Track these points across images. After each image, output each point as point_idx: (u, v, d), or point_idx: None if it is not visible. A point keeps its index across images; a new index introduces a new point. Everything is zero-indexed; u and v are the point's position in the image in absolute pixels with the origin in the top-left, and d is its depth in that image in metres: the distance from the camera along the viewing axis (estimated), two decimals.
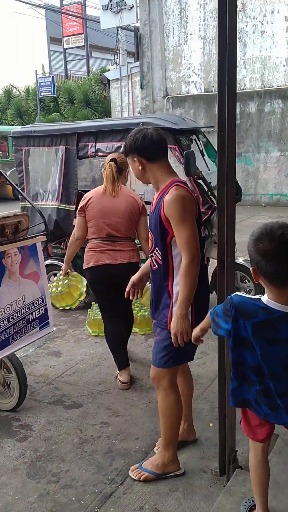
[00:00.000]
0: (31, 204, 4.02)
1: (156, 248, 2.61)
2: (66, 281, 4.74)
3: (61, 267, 5.31)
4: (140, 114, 12.93)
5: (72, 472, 2.91)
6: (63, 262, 5.25)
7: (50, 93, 23.09)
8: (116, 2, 12.72)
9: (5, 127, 18.66)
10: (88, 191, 5.87)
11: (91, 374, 4.08)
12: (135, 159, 2.61)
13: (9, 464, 3.01)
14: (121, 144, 4.82)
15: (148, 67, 12.59)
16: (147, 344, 4.62)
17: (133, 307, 4.44)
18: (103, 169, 3.88)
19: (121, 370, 3.91)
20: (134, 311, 4.52)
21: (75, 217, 4.14)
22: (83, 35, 27.59)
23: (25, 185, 5.38)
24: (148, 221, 3.28)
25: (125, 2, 12.59)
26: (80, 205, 3.83)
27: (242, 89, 11.89)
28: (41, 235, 3.54)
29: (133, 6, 12.53)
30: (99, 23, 14.19)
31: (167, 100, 12.59)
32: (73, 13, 26.06)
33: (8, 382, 3.58)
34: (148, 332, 4.81)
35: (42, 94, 23.17)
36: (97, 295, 4.00)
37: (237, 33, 8.66)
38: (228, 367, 2.65)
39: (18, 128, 5.61)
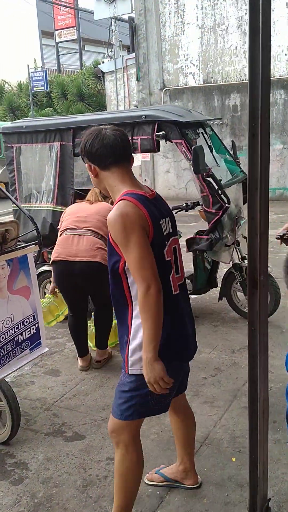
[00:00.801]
0: (20, 209, 3.57)
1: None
2: (49, 299, 4.29)
3: None
4: (137, 107, 12.46)
5: None
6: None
7: (43, 87, 22.55)
8: None
9: None
10: (86, 190, 5.44)
11: (94, 397, 3.65)
12: (88, 165, 2.19)
13: None
14: None
15: (144, 59, 12.11)
16: None
17: None
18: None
19: (81, 357, 4.09)
20: None
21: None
22: (75, 28, 27.01)
23: (17, 185, 4.93)
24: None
25: None
26: (59, 226, 3.97)
27: (242, 80, 11.44)
28: (33, 244, 3.13)
29: None
30: (92, 14, 13.69)
31: (164, 92, 12.12)
32: (64, 4, 25.45)
33: None
34: None
35: (34, 89, 22.62)
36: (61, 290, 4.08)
37: (237, 21, 8.18)
38: (262, 402, 2.23)
39: (8, 123, 5.15)
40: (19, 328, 3.05)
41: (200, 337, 4.53)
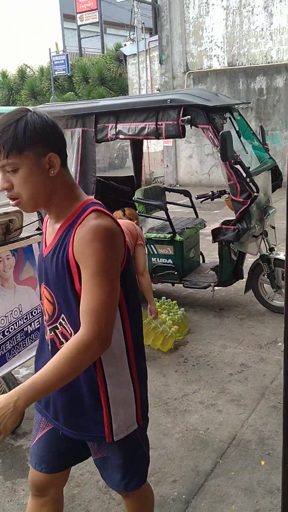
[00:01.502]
0: None
1: (62, 316, 1.56)
2: None
3: None
4: (159, 91, 12.20)
5: None
6: None
7: (64, 71, 22.35)
8: None
9: (19, 107, 18.03)
10: (107, 177, 5.31)
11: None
12: (40, 159, 1.46)
13: None
14: (146, 125, 4.22)
15: (167, 41, 11.81)
16: (178, 353, 4.07)
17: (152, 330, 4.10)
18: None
19: None
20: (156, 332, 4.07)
21: None
22: (97, 11, 26.61)
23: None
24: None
25: None
26: None
27: (268, 62, 11.09)
28: (37, 235, 3.08)
29: None
30: None
31: (187, 75, 11.82)
32: None
33: None
34: (178, 339, 4.26)
35: (56, 73, 22.46)
36: None
37: (263, 2, 7.90)
38: None
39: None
40: (28, 318, 3.00)
41: (225, 331, 4.41)
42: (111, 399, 1.60)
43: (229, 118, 4.42)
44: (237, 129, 4.52)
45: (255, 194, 4.03)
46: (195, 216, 5.21)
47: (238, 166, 4.00)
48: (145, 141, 10.40)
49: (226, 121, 4.39)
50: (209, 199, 4.67)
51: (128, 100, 4.57)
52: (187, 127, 4.26)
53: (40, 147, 1.45)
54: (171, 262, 4.63)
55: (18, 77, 24.84)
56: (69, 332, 1.55)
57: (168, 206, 4.96)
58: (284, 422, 2.10)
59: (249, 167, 4.14)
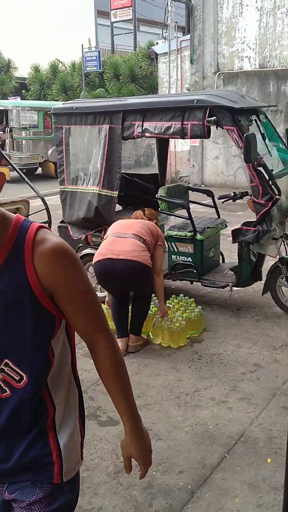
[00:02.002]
0: (32, 189, 3.59)
1: (5, 361, 1.28)
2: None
3: None
4: (189, 90, 12.23)
5: (105, 511, 2.49)
6: None
7: (95, 68, 22.53)
8: None
9: (49, 102, 18.29)
10: (132, 174, 5.42)
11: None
12: None
13: None
14: (171, 124, 4.29)
15: (199, 41, 11.83)
16: (192, 350, 4.14)
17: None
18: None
19: (119, 338, 4.07)
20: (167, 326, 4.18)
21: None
22: (131, 8, 26.71)
23: (65, 166, 4.92)
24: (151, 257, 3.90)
25: None
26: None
27: None
28: (42, 223, 3.17)
29: None
30: None
31: (218, 76, 11.82)
32: None
33: None
34: (194, 336, 4.33)
35: (87, 69, 22.65)
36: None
37: None
38: None
39: (59, 104, 5.14)
40: None
41: (241, 331, 4.46)
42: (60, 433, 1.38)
43: (255, 120, 4.46)
44: (262, 131, 4.55)
45: (277, 196, 4.07)
46: (217, 216, 5.25)
47: (261, 168, 4.04)
48: (172, 140, 10.45)
49: (252, 123, 4.43)
50: (231, 200, 4.71)
51: (155, 99, 4.64)
52: (213, 128, 4.32)
53: None
54: (191, 260, 4.70)
55: (50, 72, 25.14)
56: (16, 377, 1.29)
57: (191, 205, 5.03)
58: None
59: (272, 170, 4.17)
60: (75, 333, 1.41)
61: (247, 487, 2.62)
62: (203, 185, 12.34)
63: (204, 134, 4.21)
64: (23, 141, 13.31)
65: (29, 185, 3.63)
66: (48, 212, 3.35)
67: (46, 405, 1.35)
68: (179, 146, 13.00)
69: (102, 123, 4.62)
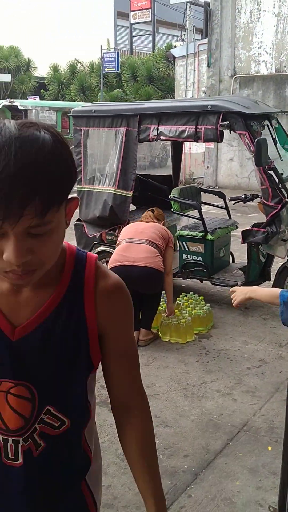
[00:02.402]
0: None
1: (48, 408, 1.07)
2: None
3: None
4: (205, 93, 12.39)
5: (114, 489, 2.68)
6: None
7: (113, 69, 22.77)
8: None
9: (67, 103, 18.58)
10: (146, 175, 5.60)
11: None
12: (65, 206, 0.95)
13: None
14: (186, 128, 4.47)
15: (216, 45, 11.98)
16: (200, 345, 4.31)
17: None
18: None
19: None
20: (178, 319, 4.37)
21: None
22: (150, 10, 26.93)
23: (82, 167, 5.13)
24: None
25: None
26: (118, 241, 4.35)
27: None
28: None
29: None
30: None
31: (234, 79, 11.96)
32: None
33: None
34: (202, 332, 4.50)
35: (105, 70, 22.91)
36: None
37: None
38: None
39: (78, 106, 5.34)
40: None
41: (248, 328, 4.62)
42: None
43: (267, 125, 4.61)
44: (274, 136, 4.70)
45: (286, 199, 4.23)
46: (228, 218, 5.41)
47: (271, 172, 4.20)
48: (187, 142, 10.61)
49: (264, 128, 4.59)
50: (242, 202, 4.87)
51: (171, 104, 4.83)
52: (226, 131, 4.48)
53: (70, 188, 0.93)
54: (201, 259, 4.87)
55: (69, 72, 25.44)
56: (56, 424, 1.09)
57: (205, 206, 5.20)
58: (287, 408, 2.32)
59: (282, 174, 4.33)
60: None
61: (248, 471, 2.79)
62: (217, 187, 12.48)
63: (217, 138, 4.38)
64: None
65: None
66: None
67: (86, 453, 1.18)
68: (194, 148, 13.16)
69: (119, 126, 4.81)
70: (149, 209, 4.56)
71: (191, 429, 3.17)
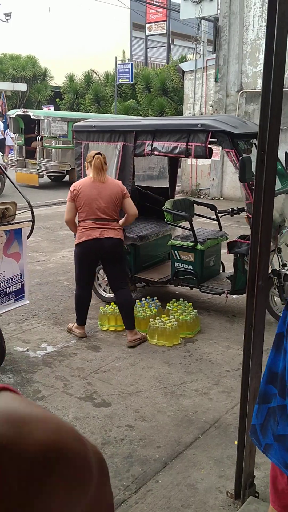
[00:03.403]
0: (21, 194, 4.25)
1: None
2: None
3: None
4: (212, 107, 12.71)
5: None
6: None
7: (127, 79, 23.24)
8: None
9: (79, 113, 19.02)
10: (146, 187, 5.91)
11: (125, 374, 4.11)
12: None
13: None
14: (178, 144, 4.77)
15: (224, 60, 12.31)
16: (185, 349, 4.58)
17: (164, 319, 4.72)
18: (87, 161, 4.51)
19: (80, 325, 4.76)
20: (166, 323, 4.61)
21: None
22: (165, 22, 27.42)
23: (83, 178, 5.44)
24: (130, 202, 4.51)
25: None
26: (70, 194, 4.45)
27: None
28: (26, 221, 4.02)
29: None
30: None
31: (240, 94, 12.27)
32: (157, 3, 25.91)
33: None
34: (188, 336, 4.77)
35: (120, 80, 23.37)
36: (81, 266, 4.59)
37: None
38: (252, 388, 2.58)
39: (80, 122, 5.68)
40: (8, 282, 3.98)
41: (233, 334, 4.88)
42: None
43: (254, 144, 4.89)
44: None
45: None
46: (219, 229, 5.69)
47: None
48: None
49: (252, 145, 4.87)
50: (229, 215, 5.15)
51: (165, 122, 5.14)
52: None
53: None
54: (191, 268, 5.15)
55: (84, 82, 25.97)
56: None
57: (203, 218, 5.46)
58: (241, 403, 2.60)
59: None
60: None
61: (213, 462, 3.06)
62: (222, 198, 12.76)
63: (206, 155, 4.68)
64: (53, 150, 13.99)
65: (17, 189, 4.32)
66: (32, 212, 4.12)
67: None
68: (200, 160, 13.45)
69: (117, 141, 5.14)
70: (96, 153, 4.43)
71: (166, 424, 3.44)
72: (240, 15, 11.92)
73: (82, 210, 4.42)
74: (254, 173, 2.31)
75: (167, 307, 5.02)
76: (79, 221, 4.49)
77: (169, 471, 2.98)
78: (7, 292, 3.99)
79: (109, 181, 4.47)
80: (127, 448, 3.18)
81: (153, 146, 4.92)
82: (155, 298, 5.24)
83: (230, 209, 5.14)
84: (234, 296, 5.57)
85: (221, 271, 5.64)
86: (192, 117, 7.10)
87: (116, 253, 4.50)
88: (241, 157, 4.27)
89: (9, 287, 4.00)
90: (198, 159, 13.36)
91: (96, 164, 4.37)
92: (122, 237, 4.55)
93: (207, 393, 3.84)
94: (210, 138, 4.63)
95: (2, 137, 17.93)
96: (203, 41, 15.22)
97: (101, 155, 4.42)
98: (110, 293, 5.56)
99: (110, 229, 4.42)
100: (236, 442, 3.25)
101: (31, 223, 4.11)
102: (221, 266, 5.66)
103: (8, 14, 22.47)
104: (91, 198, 4.37)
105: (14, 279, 4.04)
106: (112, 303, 5.10)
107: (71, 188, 4.46)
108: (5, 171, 4.82)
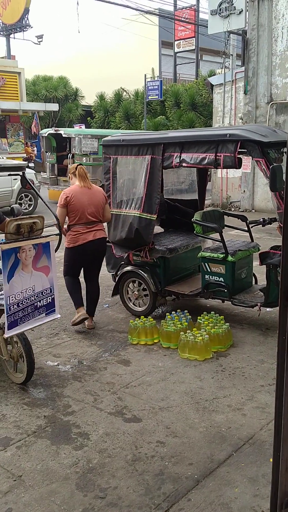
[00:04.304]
0: (49, 208, 4.35)
1: None
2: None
3: (140, 274, 5.34)
4: (242, 120, 12.63)
5: (120, 490, 2.88)
6: (142, 271, 5.28)
7: (157, 96, 23.43)
8: (225, 7, 12.51)
9: (109, 131, 19.23)
10: (174, 199, 5.89)
11: (156, 388, 4.03)
12: None
13: (62, 472, 3.06)
14: (206, 155, 4.72)
15: (253, 72, 12.25)
16: (217, 363, 4.46)
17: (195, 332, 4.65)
18: (71, 173, 5.20)
19: (80, 307, 5.14)
20: (197, 336, 4.54)
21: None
22: (194, 39, 27.62)
23: (111, 192, 5.46)
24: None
25: (234, 7, 12.32)
26: (64, 201, 4.95)
27: None
28: (54, 235, 4.07)
29: (242, 11, 12.22)
30: None
31: (270, 106, 12.16)
32: (185, 19, 26.15)
33: (21, 357, 4.01)
34: (221, 350, 4.65)
35: (149, 97, 23.59)
36: (73, 265, 5.14)
37: None
38: (287, 404, 2.47)
39: (108, 136, 5.71)
40: (38, 296, 3.96)
41: (266, 348, 4.74)
42: None
43: (285, 152, 4.79)
44: None
45: None
46: (250, 240, 5.58)
47: None
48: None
49: (283, 154, 4.78)
50: (261, 225, 5.04)
51: (193, 133, 5.10)
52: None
53: None
54: (222, 280, 5.05)
55: (114, 100, 26.35)
56: None
57: (234, 230, 5.36)
58: (276, 418, 2.49)
59: None
60: None
61: (248, 480, 2.94)
62: (254, 210, 12.59)
63: (235, 165, 4.60)
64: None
65: (46, 204, 4.42)
66: (59, 227, 4.24)
67: None
68: (231, 173, 13.36)
69: (145, 154, 5.12)
70: (78, 164, 5.21)
71: (198, 440, 3.34)
72: (268, 26, 11.87)
73: (74, 215, 4.95)
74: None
75: (198, 320, 4.93)
76: (69, 225, 5.01)
77: (202, 489, 2.87)
78: (38, 306, 3.97)
79: (94, 187, 5.13)
80: (158, 465, 3.09)
81: (181, 158, 4.89)
82: (186, 311, 5.15)
83: (262, 219, 5.04)
84: (268, 309, 5.43)
85: (253, 283, 5.51)
86: (220, 127, 7.05)
87: (103, 250, 5.21)
88: (271, 166, 4.18)
89: (40, 301, 3.98)
90: (228, 172, 13.28)
91: (80, 173, 5.06)
92: (106, 235, 5.25)
93: (240, 408, 3.72)
94: (240, 148, 4.56)
95: (39, 159, 18.17)
96: (231, 55, 15.24)
97: (82, 165, 5.16)
98: (140, 307, 5.51)
99: (99, 230, 5.07)
100: (271, 460, 3.13)
101: (58, 236, 4.13)
102: (253, 278, 5.53)
103: (40, 37, 23.07)
104: (83, 204, 4.96)
105: (44, 293, 4.02)
106: (142, 316, 5.05)
107: (64, 195, 4.97)
108: (37, 190, 4.92)
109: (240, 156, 4.59)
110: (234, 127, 5.86)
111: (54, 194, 14.53)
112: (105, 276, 6.79)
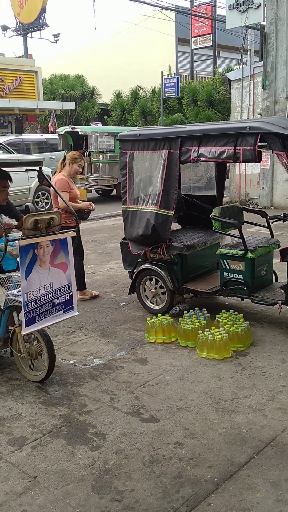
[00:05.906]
0: (66, 204, 4.34)
1: None
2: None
3: (157, 272, 5.24)
4: (260, 115, 12.43)
5: (137, 493, 2.80)
6: (159, 268, 5.18)
7: (174, 93, 23.29)
8: (243, 1, 12.31)
9: (125, 128, 19.14)
10: (192, 195, 5.78)
11: (174, 388, 3.93)
12: None
13: (77, 473, 2.98)
14: (225, 149, 4.60)
15: (272, 67, 12.05)
16: (237, 362, 4.35)
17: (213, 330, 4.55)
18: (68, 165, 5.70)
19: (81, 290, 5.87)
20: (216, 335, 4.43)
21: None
22: (211, 35, 27.39)
23: (128, 188, 5.37)
24: None
25: (252, 1, 12.10)
26: (67, 187, 5.54)
27: None
28: (72, 231, 3.97)
29: (260, 5, 12.00)
30: None
31: None
32: (202, 15, 25.91)
33: (40, 354, 3.98)
34: (240, 349, 4.53)
35: (166, 94, 23.46)
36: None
37: None
38: None
39: (124, 131, 5.62)
40: (56, 293, 3.87)
41: (287, 347, 4.60)
42: None
43: None
44: None
45: None
46: (270, 237, 5.44)
47: None
48: (242, 164, 10.64)
49: None
50: (281, 221, 4.90)
51: (211, 127, 4.97)
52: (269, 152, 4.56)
53: None
54: (242, 277, 4.92)
55: (131, 98, 26.28)
56: None
57: (254, 227, 5.24)
58: None
59: None
60: None
61: (270, 484, 2.82)
62: (272, 207, 12.39)
63: (255, 158, 4.48)
64: (100, 164, 14.11)
65: (63, 200, 4.42)
66: (77, 221, 4.13)
67: None
68: (249, 169, 13.17)
69: (162, 149, 5.02)
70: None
71: (218, 442, 3.23)
72: (287, 20, 11.65)
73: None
74: None
75: (216, 318, 4.82)
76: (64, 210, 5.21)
77: (222, 493, 2.77)
78: (56, 303, 3.88)
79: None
80: (176, 467, 3.00)
81: (199, 152, 4.77)
82: (204, 309, 5.04)
83: (283, 214, 4.89)
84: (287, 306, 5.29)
85: (273, 281, 5.37)
86: (239, 120, 6.89)
87: None
88: None
89: (57, 298, 3.89)
90: (246, 169, 13.09)
91: (77, 170, 5.78)
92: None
93: (261, 409, 3.60)
94: (259, 141, 4.43)
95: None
96: (249, 49, 15.05)
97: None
98: (157, 305, 5.42)
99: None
100: None
101: (75, 231, 4.08)
102: (273, 276, 5.39)
103: (57, 35, 23.12)
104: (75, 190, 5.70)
105: (62, 290, 3.92)
106: (159, 314, 4.95)
107: (65, 182, 5.57)
108: (49, 180, 4.87)
109: (260, 149, 4.45)
110: (253, 119, 5.72)
111: None
112: (122, 274, 6.71)
